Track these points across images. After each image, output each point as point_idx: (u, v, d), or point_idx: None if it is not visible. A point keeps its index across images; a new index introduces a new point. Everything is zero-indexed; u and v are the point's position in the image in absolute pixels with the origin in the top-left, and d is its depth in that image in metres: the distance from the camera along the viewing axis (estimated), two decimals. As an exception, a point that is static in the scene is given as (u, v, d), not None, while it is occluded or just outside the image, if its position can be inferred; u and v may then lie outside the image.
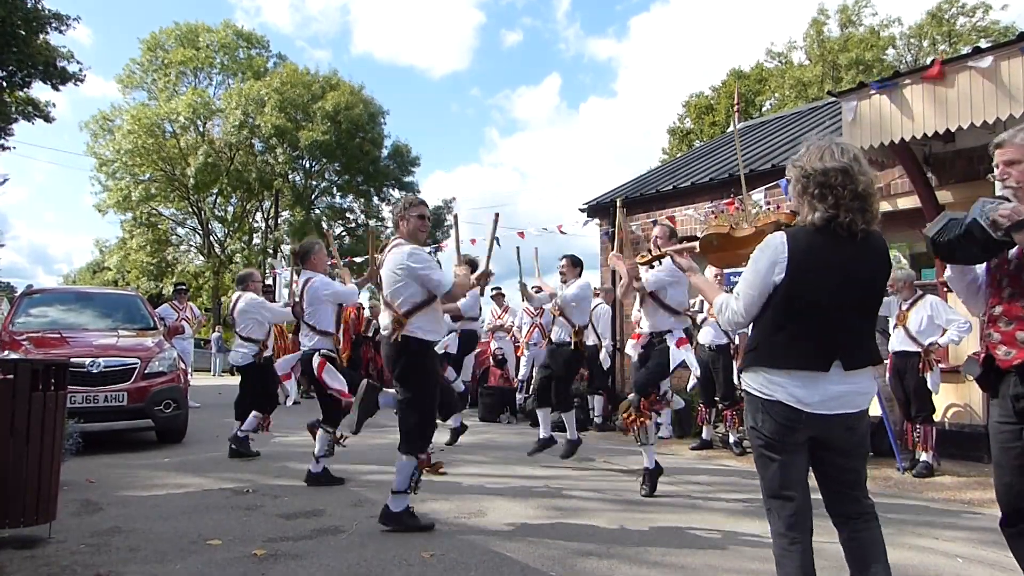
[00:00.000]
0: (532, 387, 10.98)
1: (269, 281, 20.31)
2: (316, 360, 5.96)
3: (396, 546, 4.16)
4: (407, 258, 4.50)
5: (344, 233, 40.39)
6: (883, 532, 2.72)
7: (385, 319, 4.67)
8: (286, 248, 37.65)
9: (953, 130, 6.83)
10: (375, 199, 40.46)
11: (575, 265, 7.19)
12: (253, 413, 7.25)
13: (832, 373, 2.58)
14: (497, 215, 5.46)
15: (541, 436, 7.20)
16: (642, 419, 5.60)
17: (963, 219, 2.91)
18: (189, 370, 10.82)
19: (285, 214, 39.41)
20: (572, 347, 6.96)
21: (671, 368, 5.62)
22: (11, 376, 3.99)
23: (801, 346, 2.60)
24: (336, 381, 5.90)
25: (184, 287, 13.67)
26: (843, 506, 2.73)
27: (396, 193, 40.40)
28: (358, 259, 25.07)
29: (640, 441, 5.66)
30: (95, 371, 7.37)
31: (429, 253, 6.64)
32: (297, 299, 6.24)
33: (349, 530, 4.51)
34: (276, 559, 3.88)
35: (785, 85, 35.91)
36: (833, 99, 14.13)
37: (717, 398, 8.47)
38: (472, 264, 6.95)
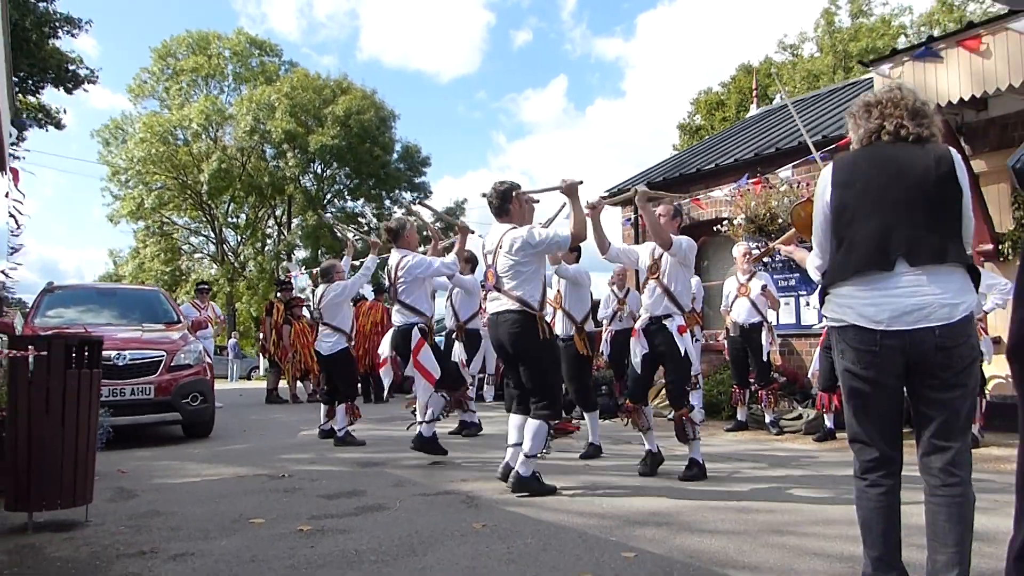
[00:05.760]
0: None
1: (282, 278, 20.24)
2: (416, 336, 5.92)
3: (445, 519, 4.03)
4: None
5: (356, 237, 40.30)
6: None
7: (504, 301, 4.75)
8: (299, 253, 37.67)
9: (991, 93, 6.66)
10: (387, 202, 40.34)
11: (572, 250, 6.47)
12: (341, 406, 7.32)
13: (901, 277, 2.39)
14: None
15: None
16: (683, 414, 5.17)
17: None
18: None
19: (297, 219, 39.31)
20: (576, 351, 6.36)
21: (684, 357, 5.12)
22: (45, 352, 3.89)
23: (860, 249, 2.48)
24: (429, 363, 5.86)
25: (207, 287, 13.67)
26: (928, 456, 2.42)
27: (407, 195, 40.30)
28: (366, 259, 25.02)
29: (690, 437, 5.17)
30: (121, 364, 7.26)
31: (439, 252, 6.63)
32: (392, 280, 6.11)
33: (393, 507, 4.37)
34: (323, 534, 3.75)
35: (796, 77, 35.65)
36: (851, 82, 13.99)
37: (751, 379, 8.27)
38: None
